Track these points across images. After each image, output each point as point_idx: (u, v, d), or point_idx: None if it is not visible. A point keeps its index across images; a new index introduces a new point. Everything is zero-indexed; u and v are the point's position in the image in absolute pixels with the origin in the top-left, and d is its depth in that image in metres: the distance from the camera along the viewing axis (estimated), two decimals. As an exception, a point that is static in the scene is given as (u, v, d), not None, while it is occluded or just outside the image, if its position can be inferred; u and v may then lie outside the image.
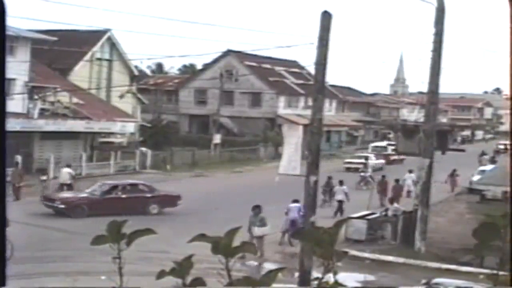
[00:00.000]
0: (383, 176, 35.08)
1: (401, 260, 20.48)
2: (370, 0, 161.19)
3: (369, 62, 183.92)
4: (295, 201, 23.95)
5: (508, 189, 25.39)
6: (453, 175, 39.72)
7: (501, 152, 67.31)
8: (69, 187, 32.32)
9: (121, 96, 50.34)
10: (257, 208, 21.65)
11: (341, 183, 30.92)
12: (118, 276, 2.15)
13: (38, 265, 18.28)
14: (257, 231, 20.58)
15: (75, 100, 42.58)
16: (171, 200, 29.51)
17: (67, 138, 41.20)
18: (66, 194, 29.67)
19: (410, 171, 33.03)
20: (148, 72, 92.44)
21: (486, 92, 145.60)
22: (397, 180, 33.86)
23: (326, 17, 16.34)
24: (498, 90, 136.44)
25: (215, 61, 66.47)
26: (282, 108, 65.79)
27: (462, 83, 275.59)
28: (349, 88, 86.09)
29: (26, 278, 15.61)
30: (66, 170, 33.48)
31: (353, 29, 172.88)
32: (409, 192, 32.27)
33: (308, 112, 20.13)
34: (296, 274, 15.84)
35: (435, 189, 33.78)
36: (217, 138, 55.55)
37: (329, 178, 31.58)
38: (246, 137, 61.71)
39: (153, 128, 55.82)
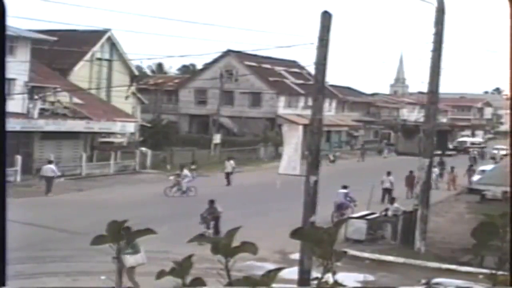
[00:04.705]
0: (411, 172, 35.72)
1: (401, 260, 20.46)
2: (370, 0, 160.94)
3: (369, 62, 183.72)
4: (344, 187, 27.73)
5: (508, 189, 25.37)
6: (469, 169, 45.44)
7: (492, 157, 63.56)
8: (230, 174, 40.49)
9: (127, 97, 50.60)
10: None
11: (388, 173, 34.56)
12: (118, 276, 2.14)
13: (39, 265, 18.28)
14: (129, 259, 15.15)
15: (75, 100, 42.56)
16: None
17: (67, 138, 41.17)
18: None
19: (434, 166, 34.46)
20: (148, 72, 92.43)
21: (486, 92, 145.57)
22: None
23: (326, 17, 16.33)
24: (498, 90, 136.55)
25: (215, 61, 66.48)
26: (282, 108, 65.77)
27: (462, 83, 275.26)
28: (349, 88, 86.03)
29: (26, 278, 15.61)
30: (230, 162, 41.89)
31: (353, 29, 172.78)
32: None
33: (308, 112, 20.09)
34: None
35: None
36: (217, 138, 55.50)
37: (212, 202, 23.91)
38: (246, 137, 61.69)
39: (153, 128, 55.78)
